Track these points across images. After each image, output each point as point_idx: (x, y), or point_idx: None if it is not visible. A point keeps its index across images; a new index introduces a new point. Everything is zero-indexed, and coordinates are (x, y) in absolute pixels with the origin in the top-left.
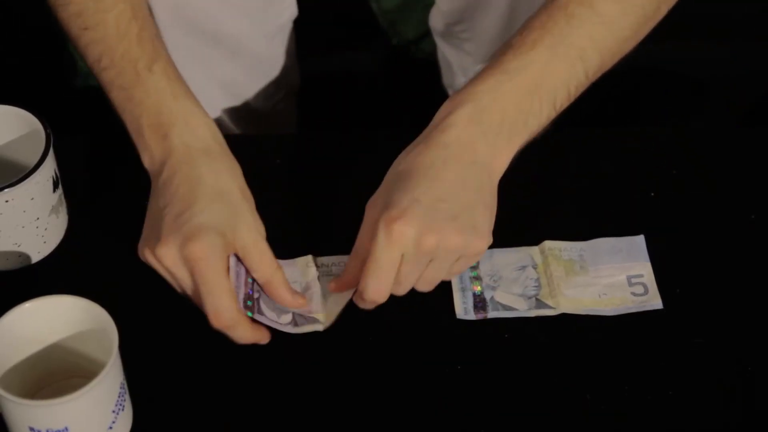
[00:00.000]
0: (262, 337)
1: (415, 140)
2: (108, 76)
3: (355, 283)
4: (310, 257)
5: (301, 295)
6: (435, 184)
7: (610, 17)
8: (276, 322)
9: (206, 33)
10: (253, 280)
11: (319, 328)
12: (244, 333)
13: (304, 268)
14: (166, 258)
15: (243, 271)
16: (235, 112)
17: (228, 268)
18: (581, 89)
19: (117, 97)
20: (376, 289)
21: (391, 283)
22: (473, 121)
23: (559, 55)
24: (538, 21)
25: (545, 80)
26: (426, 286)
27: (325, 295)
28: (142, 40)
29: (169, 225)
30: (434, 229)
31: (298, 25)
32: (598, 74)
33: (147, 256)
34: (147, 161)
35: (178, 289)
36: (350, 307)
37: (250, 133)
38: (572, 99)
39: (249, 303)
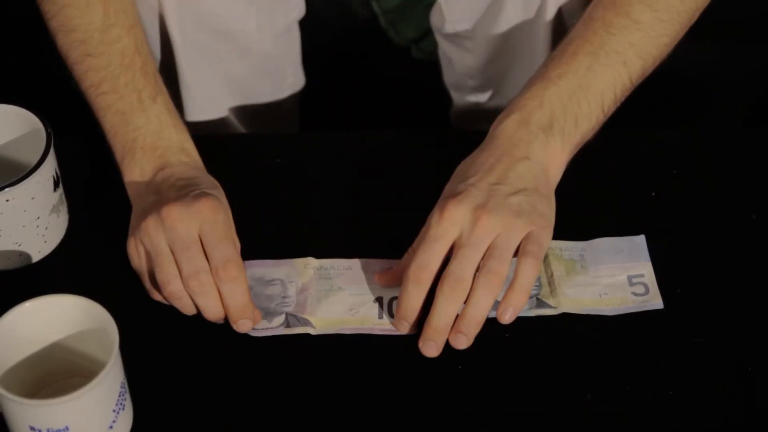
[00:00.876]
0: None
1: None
2: (106, 101)
3: (401, 276)
4: (309, 258)
5: (258, 312)
6: (489, 174)
7: (647, 24)
8: (268, 327)
9: (214, 30)
10: None
11: (311, 331)
12: (244, 289)
13: (302, 269)
14: (172, 213)
15: None
16: (240, 111)
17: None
18: (626, 93)
19: (112, 120)
20: (423, 263)
21: (440, 260)
22: (523, 124)
23: (600, 60)
24: (577, 32)
25: (590, 83)
26: (490, 283)
27: (320, 300)
28: (147, 74)
29: (174, 196)
30: (489, 206)
31: (300, 25)
32: (642, 78)
33: (147, 225)
34: (136, 175)
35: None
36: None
37: (253, 132)
38: (618, 103)
39: None
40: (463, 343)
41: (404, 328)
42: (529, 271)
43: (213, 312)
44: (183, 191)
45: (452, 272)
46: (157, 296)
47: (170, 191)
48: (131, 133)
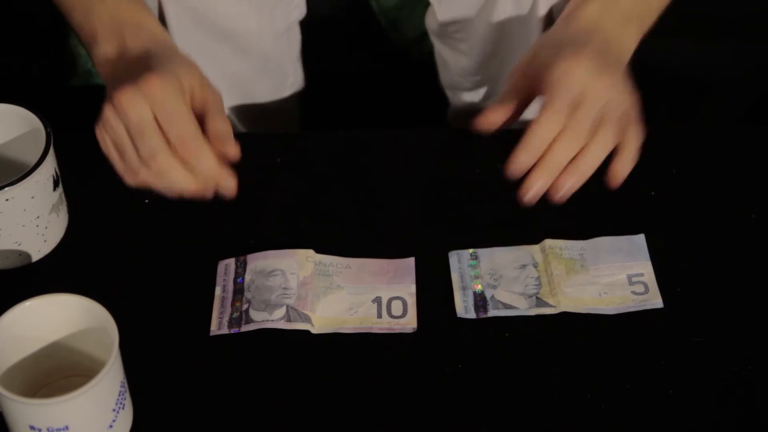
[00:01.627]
0: (232, 152)
1: (548, 31)
2: (69, 3)
3: (503, 116)
4: (310, 251)
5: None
6: (586, 46)
7: None
8: (268, 320)
9: (216, 29)
10: (242, 291)
11: (312, 329)
12: (209, 159)
13: (303, 261)
14: (124, 97)
15: (230, 289)
16: (240, 110)
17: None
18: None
19: (78, 18)
20: (564, 102)
21: (569, 111)
22: (606, 11)
23: None
24: None
25: None
26: (606, 140)
27: (319, 296)
28: None
29: (124, 78)
30: (604, 70)
31: (300, 25)
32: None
33: (105, 115)
34: (101, 61)
35: (131, 155)
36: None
37: (252, 131)
38: (654, 21)
39: (234, 320)
40: (569, 183)
41: (527, 159)
42: (636, 140)
43: (184, 187)
44: (135, 71)
45: (577, 120)
46: (130, 180)
47: (124, 74)
48: (93, 22)
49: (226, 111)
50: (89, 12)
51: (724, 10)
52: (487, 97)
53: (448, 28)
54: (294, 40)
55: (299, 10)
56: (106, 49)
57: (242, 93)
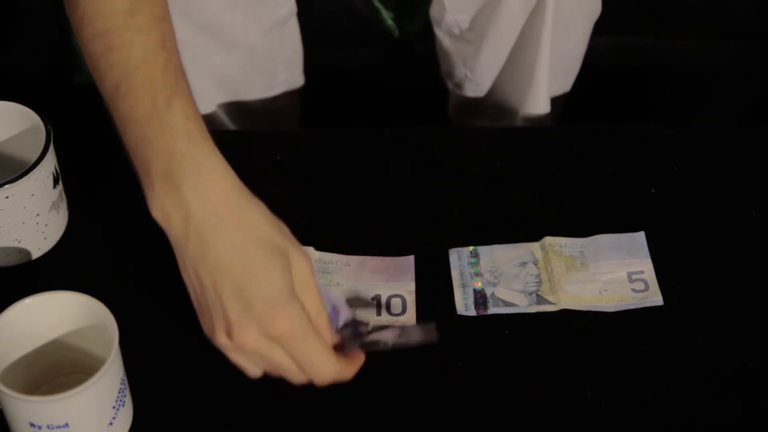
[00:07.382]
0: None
1: None
2: (125, 107)
3: None
4: (311, 248)
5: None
6: None
7: None
8: None
9: (202, 23)
10: None
11: None
12: (348, 373)
13: None
14: (248, 342)
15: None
16: (230, 107)
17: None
18: None
19: (132, 134)
20: None
21: None
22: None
23: None
24: None
25: None
26: None
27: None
28: (167, 71)
29: (234, 306)
30: None
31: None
32: None
33: (221, 340)
34: (159, 215)
35: (255, 371)
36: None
37: (246, 129)
38: None
39: None
40: None
41: None
42: None
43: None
44: (240, 288)
45: None
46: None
47: (223, 288)
48: (146, 152)
49: (214, 107)
50: (144, 136)
51: (724, 10)
52: (491, 90)
53: (455, 16)
54: (287, 37)
55: (288, 5)
56: (164, 202)
57: (229, 90)
